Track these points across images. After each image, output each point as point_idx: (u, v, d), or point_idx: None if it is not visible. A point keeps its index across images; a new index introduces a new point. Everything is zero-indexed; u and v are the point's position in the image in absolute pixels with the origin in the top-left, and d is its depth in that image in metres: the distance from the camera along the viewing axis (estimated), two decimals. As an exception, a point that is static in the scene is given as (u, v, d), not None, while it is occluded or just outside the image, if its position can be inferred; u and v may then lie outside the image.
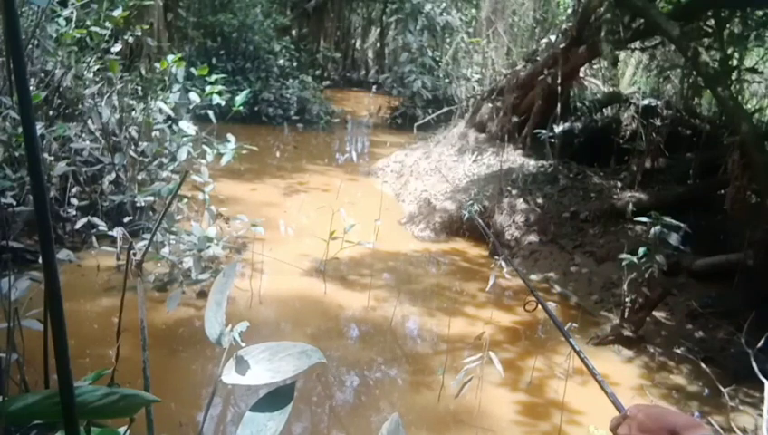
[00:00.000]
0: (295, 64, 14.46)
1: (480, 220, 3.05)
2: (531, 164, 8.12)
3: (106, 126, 5.68)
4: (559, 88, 7.93)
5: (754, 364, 3.50)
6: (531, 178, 7.59)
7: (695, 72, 6.84)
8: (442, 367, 4.07)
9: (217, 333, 1.33)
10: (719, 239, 5.73)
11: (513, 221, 6.88)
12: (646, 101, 8.35)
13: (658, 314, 5.02)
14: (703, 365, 4.09)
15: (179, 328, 4.48)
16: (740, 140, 5.07)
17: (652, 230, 4.58)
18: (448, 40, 15.30)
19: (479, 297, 5.53)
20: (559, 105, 7.87)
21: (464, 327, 4.89)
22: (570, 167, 7.79)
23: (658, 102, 8.37)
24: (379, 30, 23.37)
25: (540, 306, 1.71)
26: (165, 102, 5.97)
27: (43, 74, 5.74)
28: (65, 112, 5.91)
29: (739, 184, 5.09)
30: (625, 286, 4.77)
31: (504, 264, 4.75)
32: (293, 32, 17.88)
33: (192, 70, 5.87)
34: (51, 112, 5.66)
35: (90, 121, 5.89)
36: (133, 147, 5.83)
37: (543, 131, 7.89)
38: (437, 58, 14.98)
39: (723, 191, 5.98)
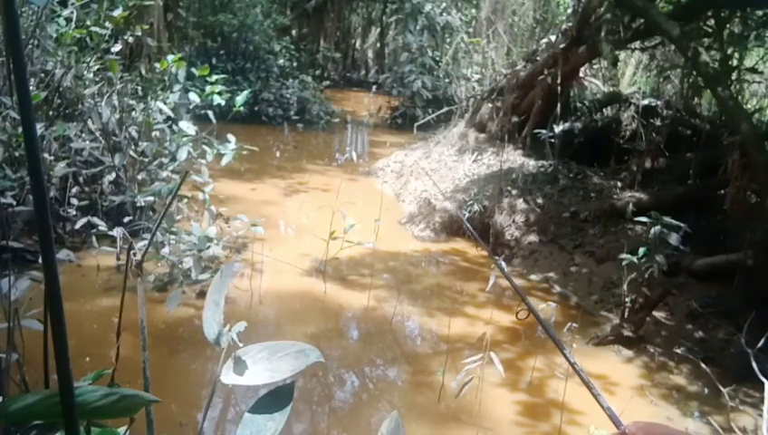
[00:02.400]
0: (295, 64, 14.46)
1: (470, 226, 3.07)
2: (531, 164, 8.12)
3: (106, 126, 5.68)
4: (559, 88, 7.93)
5: (754, 364, 3.50)
6: (531, 178, 7.59)
7: (695, 72, 6.84)
8: (442, 367, 4.07)
9: (216, 333, 1.33)
10: (719, 239, 5.73)
11: (513, 221, 6.88)
12: (646, 101, 8.35)
13: (658, 314, 5.02)
14: (703, 365, 4.08)
15: (179, 328, 4.48)
16: (740, 140, 5.07)
17: (652, 230, 4.58)
18: (448, 40, 15.31)
19: (479, 297, 5.53)
20: (559, 105, 7.87)
21: (464, 327, 4.89)
22: (570, 167, 7.79)
23: (658, 102, 8.37)
24: (379, 30, 23.37)
25: (534, 315, 1.70)
26: (165, 102, 5.97)
27: (43, 74, 5.74)
28: (65, 112, 5.91)
29: (739, 184, 5.09)
30: (625, 286, 4.77)
31: (504, 264, 4.76)
32: (293, 32, 17.88)
33: (192, 70, 5.87)
34: (51, 112, 5.66)
35: (90, 121, 5.89)
36: (133, 147, 5.83)
37: (543, 131, 7.89)
38: (437, 58, 14.98)
39: (723, 191, 5.98)
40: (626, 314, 4.74)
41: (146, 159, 5.86)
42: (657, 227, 4.54)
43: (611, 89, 9.92)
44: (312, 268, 5.77)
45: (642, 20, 7.01)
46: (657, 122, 7.53)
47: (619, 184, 7.27)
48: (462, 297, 5.57)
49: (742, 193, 5.12)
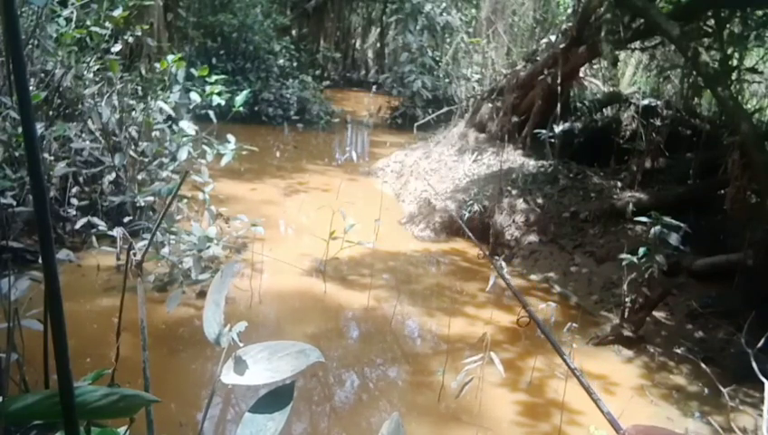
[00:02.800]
0: (295, 64, 14.46)
1: (469, 231, 3.09)
2: (531, 164, 8.12)
3: (106, 126, 5.68)
4: (559, 88, 7.93)
5: (754, 364, 3.50)
6: (531, 178, 7.59)
7: (695, 72, 6.84)
8: (442, 367, 4.07)
9: (216, 332, 1.33)
10: (719, 239, 5.73)
11: (513, 221, 6.88)
12: (646, 101, 8.35)
13: (658, 314, 5.02)
14: (703, 365, 4.08)
15: (179, 328, 4.48)
16: (740, 140, 5.07)
17: (652, 230, 4.58)
18: (448, 40, 15.30)
19: (479, 297, 5.53)
20: (559, 105, 7.87)
21: (464, 327, 4.89)
22: (570, 167, 7.79)
23: (658, 102, 8.37)
24: (379, 30, 23.37)
25: (535, 322, 1.71)
26: (165, 102, 5.96)
27: (43, 74, 5.74)
28: (65, 112, 5.91)
29: (739, 184, 5.09)
30: (625, 286, 4.77)
31: (504, 264, 4.78)
32: (293, 32, 17.88)
33: (192, 70, 5.87)
34: (51, 112, 5.66)
35: (90, 121, 5.89)
36: (133, 147, 5.83)
37: (543, 131, 7.89)
38: (437, 58, 14.98)
39: (723, 191, 5.98)
40: (626, 314, 4.74)
41: (146, 159, 5.86)
42: (657, 227, 4.54)
43: (611, 89, 9.92)
44: (311, 268, 5.77)
45: (642, 20, 7.00)
46: (657, 122, 7.52)
47: (619, 184, 7.27)
48: (462, 297, 5.57)
49: (742, 193, 5.12)
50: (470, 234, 2.71)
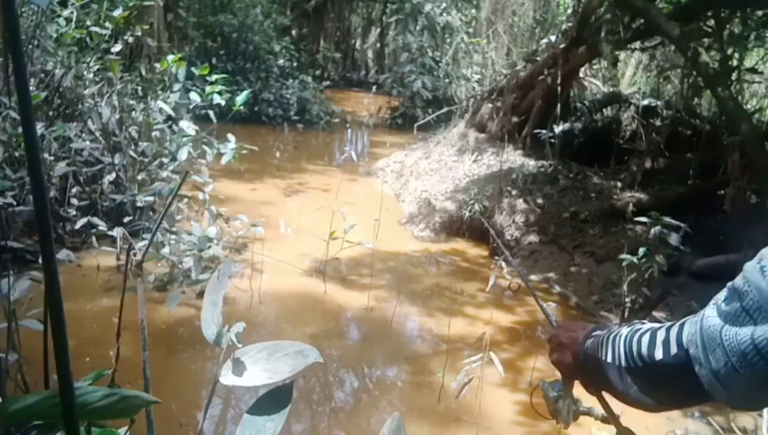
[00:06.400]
0: (295, 64, 14.45)
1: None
2: (531, 164, 8.12)
3: (106, 126, 5.68)
4: (559, 88, 7.93)
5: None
6: (531, 178, 7.59)
7: (695, 72, 6.84)
8: (442, 367, 4.06)
9: (214, 333, 1.33)
10: (719, 239, 5.73)
11: (513, 221, 6.88)
12: (646, 101, 8.34)
13: (658, 315, 5.02)
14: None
15: (179, 328, 4.48)
16: (740, 140, 5.07)
17: (652, 230, 4.58)
18: (448, 40, 15.30)
19: (479, 297, 5.53)
20: (559, 105, 7.87)
21: (464, 327, 4.89)
22: (570, 167, 7.79)
23: (658, 102, 8.37)
24: (379, 30, 23.37)
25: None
26: (165, 102, 5.96)
27: (43, 74, 5.74)
28: (65, 112, 5.91)
29: (739, 184, 5.10)
30: (625, 286, 4.77)
31: (503, 264, 4.78)
32: (293, 32, 17.87)
33: (192, 69, 5.87)
34: (51, 112, 5.66)
35: (90, 121, 5.89)
36: (133, 147, 5.83)
37: (543, 131, 7.88)
38: (437, 58, 14.97)
39: (723, 191, 5.98)
40: (626, 314, 4.74)
41: (146, 159, 5.86)
42: (657, 227, 4.54)
43: (611, 89, 9.92)
44: (311, 268, 5.77)
45: (642, 20, 7.01)
46: (657, 122, 7.53)
47: (619, 184, 7.27)
48: (462, 297, 5.57)
49: (742, 193, 5.13)
50: (494, 234, 2.68)
